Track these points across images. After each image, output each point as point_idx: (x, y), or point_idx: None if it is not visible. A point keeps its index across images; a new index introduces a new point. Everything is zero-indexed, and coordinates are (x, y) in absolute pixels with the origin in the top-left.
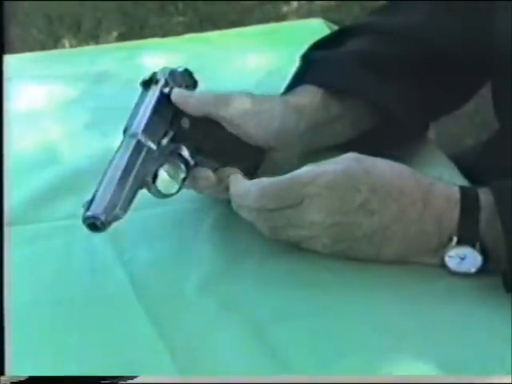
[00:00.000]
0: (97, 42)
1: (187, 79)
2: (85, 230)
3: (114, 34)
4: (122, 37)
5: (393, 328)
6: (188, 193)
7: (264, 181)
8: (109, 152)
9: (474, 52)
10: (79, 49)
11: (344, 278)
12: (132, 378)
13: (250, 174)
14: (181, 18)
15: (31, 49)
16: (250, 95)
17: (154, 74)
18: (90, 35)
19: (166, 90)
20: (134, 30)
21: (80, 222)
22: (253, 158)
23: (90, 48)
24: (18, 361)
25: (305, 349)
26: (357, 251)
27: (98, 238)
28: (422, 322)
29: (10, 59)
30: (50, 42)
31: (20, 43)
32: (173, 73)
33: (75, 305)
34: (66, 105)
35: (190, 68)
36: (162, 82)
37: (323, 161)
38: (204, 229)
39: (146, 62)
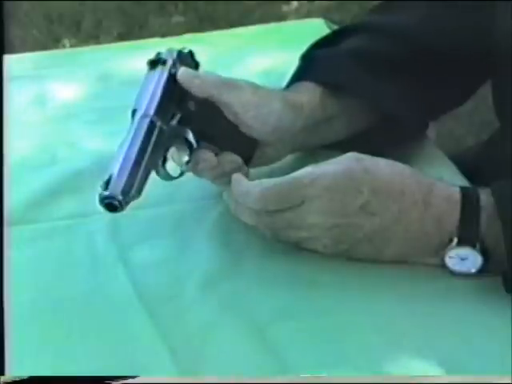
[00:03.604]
0: (97, 42)
1: (191, 61)
2: (85, 229)
3: (114, 33)
4: (122, 37)
5: (393, 328)
6: (188, 193)
7: (264, 182)
8: (109, 152)
9: (471, 51)
10: (79, 49)
11: (344, 278)
12: (132, 377)
13: (245, 162)
14: (181, 18)
15: (31, 49)
16: (254, 86)
17: (160, 54)
18: (90, 35)
19: (174, 71)
20: (134, 30)
21: (80, 221)
22: (247, 148)
23: (90, 48)
24: (18, 361)
25: (305, 349)
26: (358, 252)
27: (98, 237)
28: (423, 322)
29: (10, 59)
30: (49, 42)
31: (20, 43)
32: (180, 54)
33: (75, 305)
34: (65, 105)
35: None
36: (170, 63)
37: (323, 161)
38: (204, 228)
39: (145, 62)
